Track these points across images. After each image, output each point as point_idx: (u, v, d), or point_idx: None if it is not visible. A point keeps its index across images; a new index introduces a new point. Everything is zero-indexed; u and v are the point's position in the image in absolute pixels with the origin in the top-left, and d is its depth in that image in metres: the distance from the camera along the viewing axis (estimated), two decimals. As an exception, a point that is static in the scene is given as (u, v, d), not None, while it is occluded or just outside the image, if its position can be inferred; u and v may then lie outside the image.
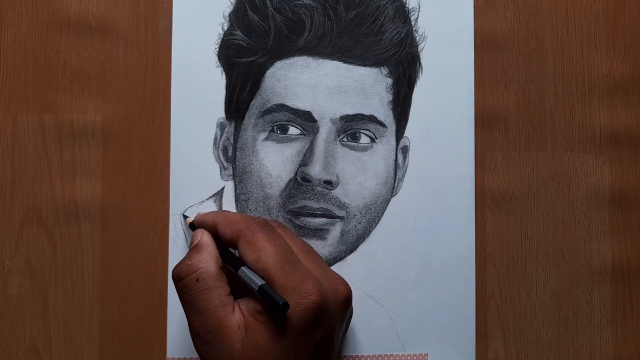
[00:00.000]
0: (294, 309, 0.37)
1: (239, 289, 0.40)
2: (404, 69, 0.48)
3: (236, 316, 0.38)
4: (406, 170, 0.48)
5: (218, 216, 0.42)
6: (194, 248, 0.41)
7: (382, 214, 0.48)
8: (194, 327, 0.39)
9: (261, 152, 0.47)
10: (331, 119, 0.47)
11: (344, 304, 0.41)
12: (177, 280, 0.39)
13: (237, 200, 0.47)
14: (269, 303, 0.37)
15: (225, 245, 0.41)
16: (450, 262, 0.48)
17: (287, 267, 0.38)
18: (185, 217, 0.46)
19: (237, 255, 0.40)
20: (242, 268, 0.39)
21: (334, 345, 0.40)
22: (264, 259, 0.38)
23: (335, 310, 0.39)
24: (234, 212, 0.44)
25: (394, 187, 0.48)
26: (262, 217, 0.46)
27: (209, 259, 0.40)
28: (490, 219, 0.49)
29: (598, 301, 0.49)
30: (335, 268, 0.47)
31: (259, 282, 0.38)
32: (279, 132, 0.47)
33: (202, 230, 0.42)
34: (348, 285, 0.42)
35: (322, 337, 0.39)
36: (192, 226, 0.44)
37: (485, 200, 0.49)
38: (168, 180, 0.46)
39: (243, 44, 0.47)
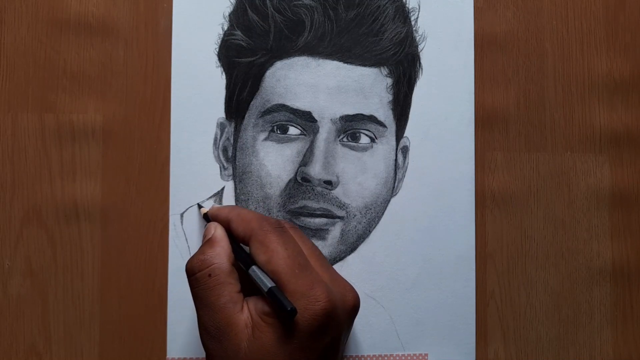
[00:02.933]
0: (302, 314, 0.37)
1: (248, 285, 0.40)
2: (404, 69, 0.48)
3: (244, 315, 0.38)
4: (406, 170, 0.48)
5: (232, 212, 0.42)
6: (207, 242, 0.41)
7: (382, 214, 0.48)
8: (203, 321, 0.39)
9: (261, 152, 0.47)
10: (331, 119, 0.46)
11: (352, 311, 0.41)
12: (190, 274, 0.40)
13: (237, 200, 0.47)
14: (278, 307, 0.37)
15: (238, 242, 0.41)
16: (450, 262, 0.48)
17: (298, 271, 0.38)
18: (200, 207, 0.46)
19: (249, 252, 0.40)
20: (253, 267, 0.39)
21: (339, 351, 0.40)
22: (275, 261, 0.38)
23: (342, 317, 0.39)
24: (248, 210, 0.44)
25: (394, 187, 0.48)
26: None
27: (222, 255, 0.40)
28: (490, 219, 0.49)
29: (598, 301, 0.49)
30: (335, 268, 0.47)
31: (269, 284, 0.38)
32: (279, 132, 0.47)
33: (216, 224, 0.42)
34: (356, 292, 0.41)
35: (328, 343, 0.38)
36: (206, 218, 0.44)
37: (485, 200, 0.49)
38: (168, 180, 0.46)
39: (243, 44, 0.47)
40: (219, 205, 0.44)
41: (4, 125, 0.46)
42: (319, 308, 0.37)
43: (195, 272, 0.39)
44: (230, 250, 0.40)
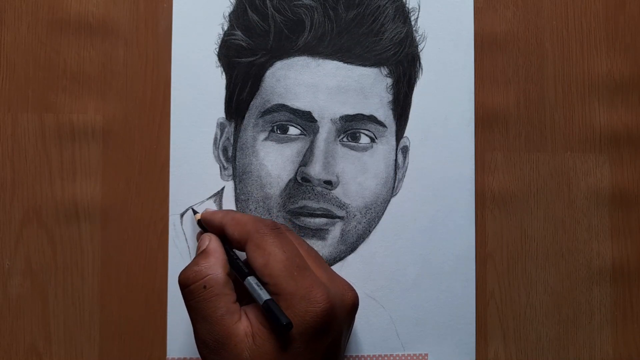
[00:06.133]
0: (303, 317, 0.37)
1: (245, 293, 0.39)
2: (404, 69, 0.48)
3: (243, 324, 0.38)
4: (406, 170, 0.48)
5: (226, 217, 0.41)
6: (201, 253, 0.40)
7: (382, 214, 0.48)
8: (200, 334, 0.38)
9: (261, 152, 0.47)
10: (331, 119, 0.47)
11: (351, 309, 0.41)
12: (183, 286, 0.39)
13: (237, 200, 0.47)
14: (273, 320, 0.37)
15: (233, 247, 0.41)
16: (450, 262, 0.48)
17: (296, 273, 0.38)
18: (194, 212, 0.45)
19: (245, 257, 0.40)
20: (249, 278, 0.38)
21: (341, 351, 0.40)
22: (272, 264, 0.38)
23: (342, 316, 0.39)
24: (243, 213, 0.44)
25: (394, 187, 0.48)
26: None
27: (216, 266, 0.39)
28: (490, 219, 0.49)
29: (598, 301, 0.49)
30: (335, 268, 0.47)
31: (264, 296, 0.37)
32: (279, 132, 0.47)
33: (211, 234, 0.42)
34: (355, 291, 0.41)
35: (330, 344, 0.38)
36: (200, 223, 0.43)
37: (485, 200, 0.49)
38: (168, 180, 0.46)
39: (243, 44, 0.47)
40: (213, 210, 0.43)
41: (4, 125, 0.46)
42: (319, 310, 0.37)
43: (189, 284, 0.38)
44: (225, 260, 0.40)
